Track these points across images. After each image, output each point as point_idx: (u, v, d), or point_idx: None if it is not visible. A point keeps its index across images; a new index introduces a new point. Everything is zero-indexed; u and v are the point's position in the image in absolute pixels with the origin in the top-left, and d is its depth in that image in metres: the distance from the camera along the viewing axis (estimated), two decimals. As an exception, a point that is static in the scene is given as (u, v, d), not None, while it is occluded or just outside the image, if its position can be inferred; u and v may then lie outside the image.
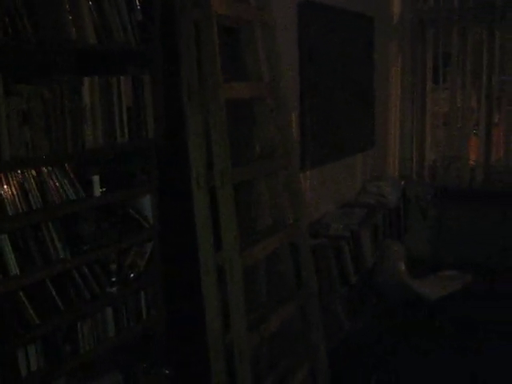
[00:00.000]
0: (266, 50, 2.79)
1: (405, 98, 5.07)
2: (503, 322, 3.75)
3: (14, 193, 2.04)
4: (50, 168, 2.14)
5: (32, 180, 2.09)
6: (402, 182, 4.80)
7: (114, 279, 2.39)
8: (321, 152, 3.84)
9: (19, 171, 2.06)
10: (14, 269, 2.03)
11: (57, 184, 2.16)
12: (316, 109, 3.75)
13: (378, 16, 4.66)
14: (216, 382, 2.49)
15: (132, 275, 2.47)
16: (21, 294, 2.06)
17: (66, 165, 2.19)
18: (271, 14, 2.77)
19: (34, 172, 2.10)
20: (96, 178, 2.29)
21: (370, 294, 3.99)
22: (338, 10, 3.98)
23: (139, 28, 2.38)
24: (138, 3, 2.37)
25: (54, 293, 2.18)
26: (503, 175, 4.85)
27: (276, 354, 3.02)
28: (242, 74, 2.86)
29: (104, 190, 2.32)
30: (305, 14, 3.56)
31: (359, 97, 4.42)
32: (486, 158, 4.97)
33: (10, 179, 2.04)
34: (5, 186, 2.01)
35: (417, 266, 4.33)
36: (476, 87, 4.95)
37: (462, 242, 4.81)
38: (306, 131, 3.63)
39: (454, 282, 3.91)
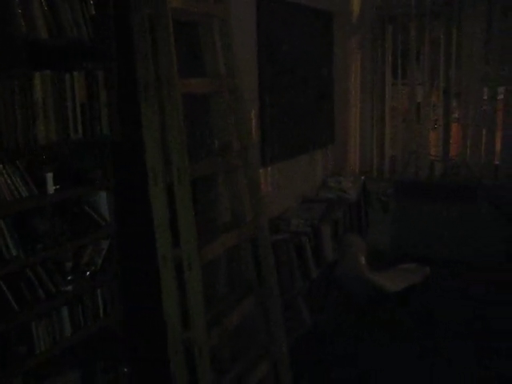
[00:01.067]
0: (223, 45, 2.78)
1: (365, 94, 5.10)
2: (459, 315, 3.82)
3: (-36, 191, 1.99)
4: (0, 165, 2.10)
5: (-18, 177, 2.05)
6: (363, 177, 4.84)
7: (69, 278, 2.35)
8: (281, 148, 3.85)
9: (-32, 168, 2.02)
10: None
11: (8, 181, 2.11)
12: (276, 104, 3.76)
13: (338, 12, 4.69)
14: (175, 377, 2.48)
15: (88, 273, 2.44)
16: (-29, 294, 2.02)
17: (17, 161, 2.15)
18: (229, 9, 2.76)
19: (-16, 169, 2.06)
20: (50, 175, 2.25)
21: (332, 288, 4.02)
22: (298, 5, 3.99)
23: (93, 23, 2.35)
24: (91, -3, 2.34)
25: (7, 293, 2.13)
26: (461, 169, 4.94)
27: (239, 348, 3.03)
28: (201, 69, 2.85)
29: (58, 187, 2.28)
30: (264, 9, 3.56)
31: (319, 93, 4.45)
32: (445, 152, 5.05)
33: (-41, 177, 2.00)
34: (-47, 184, 1.97)
35: (378, 260, 4.38)
36: (435, 83, 5.02)
37: (422, 235, 4.89)
38: (266, 127, 3.63)
39: (414, 274, 3.97)
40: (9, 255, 2.12)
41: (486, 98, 4.88)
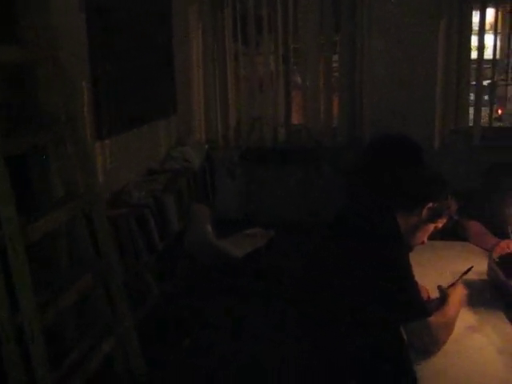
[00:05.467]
0: (41, 11, 2.63)
1: (207, 62, 5.08)
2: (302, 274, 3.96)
3: None
4: None
5: None
6: (206, 146, 4.86)
7: None
8: (120, 119, 3.73)
9: None
10: None
11: None
12: (111, 75, 3.62)
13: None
14: (9, 365, 2.36)
15: None
16: None
17: None
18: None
19: None
20: None
21: (180, 259, 4.02)
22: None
23: None
24: None
25: None
26: (303, 133, 5.11)
27: (85, 325, 2.96)
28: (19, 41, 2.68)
29: None
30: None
31: (158, 62, 4.36)
32: (287, 118, 5.20)
33: None
34: None
35: (227, 227, 4.44)
36: (275, 50, 5.12)
37: (268, 199, 5.03)
38: (101, 98, 3.50)
39: (258, 239, 4.09)
40: None
41: (322, 65, 5.07)
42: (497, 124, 5.68)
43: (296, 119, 5.29)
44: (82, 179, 2.80)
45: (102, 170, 3.50)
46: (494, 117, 5.41)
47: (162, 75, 4.44)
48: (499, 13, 4.99)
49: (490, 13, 5.02)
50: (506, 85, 5.42)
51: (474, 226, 2.78)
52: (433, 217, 2.13)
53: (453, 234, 2.65)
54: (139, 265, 3.47)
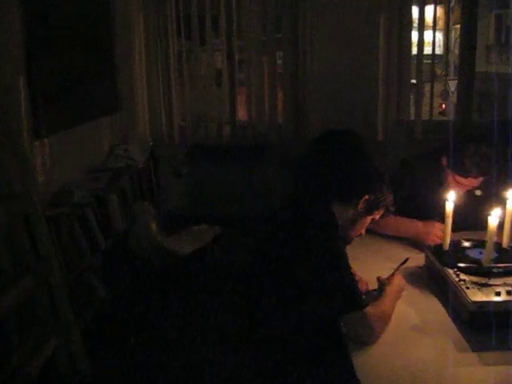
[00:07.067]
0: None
1: (150, 57, 5.02)
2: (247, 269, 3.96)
3: None
4: None
5: None
6: (151, 143, 4.82)
7: None
8: (60, 117, 3.64)
9: None
10: None
11: None
12: (50, 72, 3.54)
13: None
14: None
15: None
16: None
17: None
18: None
19: None
20: None
21: (125, 258, 3.96)
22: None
23: None
24: None
25: None
26: (248, 130, 5.12)
27: (27, 328, 2.90)
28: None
29: None
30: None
31: (100, 57, 4.29)
32: (232, 115, 5.20)
33: None
34: None
35: (173, 224, 4.39)
36: (219, 47, 5.12)
37: (215, 195, 5.01)
38: (39, 95, 3.40)
39: (204, 235, 4.06)
40: None
41: (266, 62, 5.08)
42: (441, 118, 5.82)
43: (241, 116, 5.30)
44: (19, 179, 2.74)
45: (41, 169, 3.41)
46: (438, 111, 5.56)
47: (104, 71, 4.37)
48: (438, 9, 5.11)
49: (430, 9, 5.15)
50: (446, 80, 5.58)
51: (387, 222, 2.56)
52: (369, 209, 2.15)
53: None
54: (82, 265, 3.40)
